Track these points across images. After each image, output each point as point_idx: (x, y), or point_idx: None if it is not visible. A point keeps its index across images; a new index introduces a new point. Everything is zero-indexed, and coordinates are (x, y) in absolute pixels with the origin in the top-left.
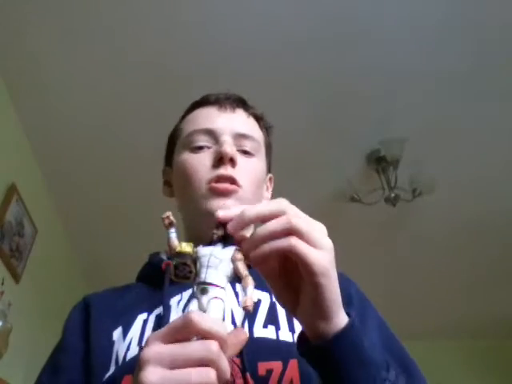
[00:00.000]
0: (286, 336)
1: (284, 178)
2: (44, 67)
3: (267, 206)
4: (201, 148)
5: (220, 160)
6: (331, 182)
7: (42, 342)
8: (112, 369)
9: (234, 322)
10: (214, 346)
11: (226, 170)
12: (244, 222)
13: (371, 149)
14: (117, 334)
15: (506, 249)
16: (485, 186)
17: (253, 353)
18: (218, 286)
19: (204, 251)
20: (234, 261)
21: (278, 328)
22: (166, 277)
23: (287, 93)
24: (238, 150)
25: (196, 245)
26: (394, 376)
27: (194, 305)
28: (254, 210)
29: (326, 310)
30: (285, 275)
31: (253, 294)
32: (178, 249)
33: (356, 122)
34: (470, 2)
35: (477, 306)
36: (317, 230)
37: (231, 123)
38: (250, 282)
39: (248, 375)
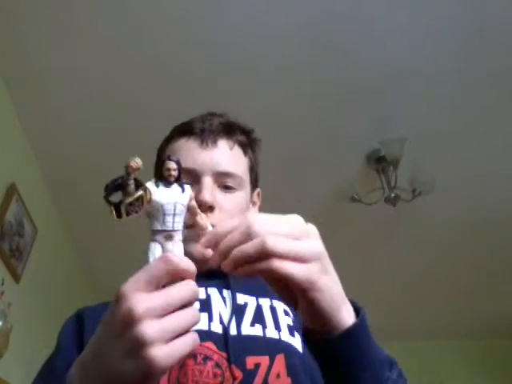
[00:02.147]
0: (272, 333)
1: (284, 178)
2: (44, 67)
3: (230, 225)
4: None
5: (199, 206)
6: (331, 182)
7: (41, 342)
8: None
9: (222, 323)
10: (194, 285)
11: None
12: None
13: (371, 149)
14: None
15: (505, 248)
16: (485, 186)
17: (241, 349)
18: (179, 230)
19: (166, 198)
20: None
21: (264, 326)
22: None
23: (287, 93)
24: (219, 186)
25: None
26: (396, 375)
27: (158, 250)
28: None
29: (326, 317)
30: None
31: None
32: (148, 196)
33: (356, 122)
34: (471, 4)
35: (477, 306)
36: (294, 235)
37: (212, 162)
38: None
39: (234, 367)
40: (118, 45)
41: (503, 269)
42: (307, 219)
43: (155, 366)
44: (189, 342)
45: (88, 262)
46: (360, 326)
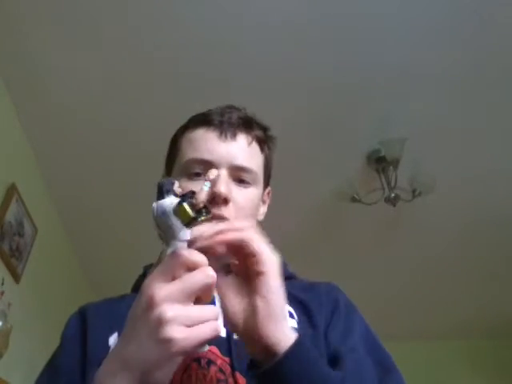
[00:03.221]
0: None
1: (284, 178)
2: (44, 67)
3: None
4: (198, 174)
5: (214, 199)
6: (331, 182)
7: (42, 342)
8: None
9: (226, 326)
10: (210, 270)
11: (218, 210)
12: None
13: (371, 149)
14: (112, 339)
15: (506, 249)
16: (485, 186)
17: (244, 353)
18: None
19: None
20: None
21: None
22: None
23: (287, 93)
24: (234, 180)
25: None
26: None
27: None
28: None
29: (270, 327)
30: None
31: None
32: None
33: (356, 122)
34: (473, 4)
35: (477, 307)
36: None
37: (230, 155)
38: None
39: (237, 374)
40: (118, 45)
41: (503, 269)
42: (308, 219)
43: (173, 346)
44: (210, 327)
45: (88, 261)
46: (301, 343)
